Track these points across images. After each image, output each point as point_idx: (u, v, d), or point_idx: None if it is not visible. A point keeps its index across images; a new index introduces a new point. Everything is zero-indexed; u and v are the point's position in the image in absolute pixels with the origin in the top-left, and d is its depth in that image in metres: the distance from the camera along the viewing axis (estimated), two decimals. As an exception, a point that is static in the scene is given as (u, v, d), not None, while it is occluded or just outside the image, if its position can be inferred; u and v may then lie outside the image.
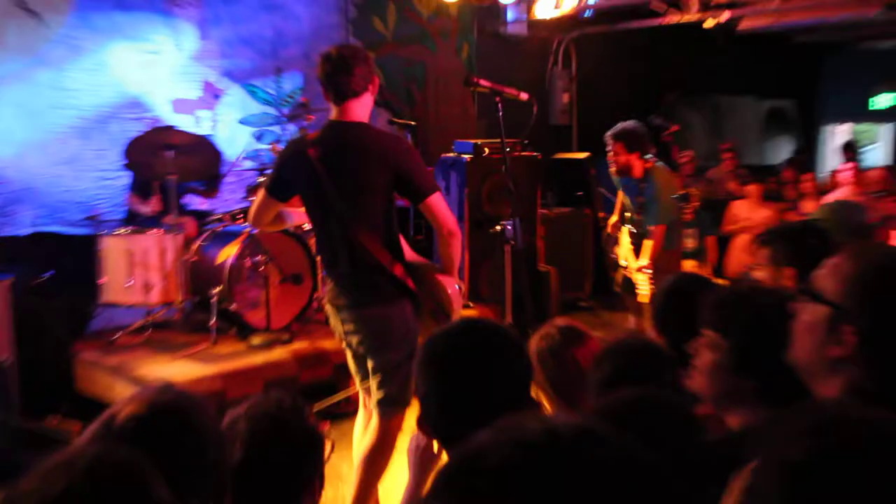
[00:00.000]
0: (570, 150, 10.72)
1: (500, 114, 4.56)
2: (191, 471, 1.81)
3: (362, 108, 4.22)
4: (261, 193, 4.44)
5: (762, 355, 2.12)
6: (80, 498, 1.38)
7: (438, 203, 4.18)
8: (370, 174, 4.12)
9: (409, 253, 4.36)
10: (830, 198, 10.33)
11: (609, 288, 9.51)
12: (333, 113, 4.25)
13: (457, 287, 4.29)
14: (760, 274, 3.56)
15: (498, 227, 4.49)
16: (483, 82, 4.68)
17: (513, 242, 4.39)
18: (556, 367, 2.85)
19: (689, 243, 10.35)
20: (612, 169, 6.88)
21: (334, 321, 4.36)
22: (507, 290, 4.54)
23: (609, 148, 6.84)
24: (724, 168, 11.72)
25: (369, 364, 4.23)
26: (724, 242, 10.66)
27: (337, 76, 4.13)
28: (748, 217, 10.72)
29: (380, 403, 4.20)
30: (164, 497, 1.46)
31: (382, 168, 4.10)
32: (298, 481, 2.28)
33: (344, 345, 4.40)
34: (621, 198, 7.05)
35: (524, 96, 5.06)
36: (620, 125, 6.81)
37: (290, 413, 2.32)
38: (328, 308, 4.39)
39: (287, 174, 4.35)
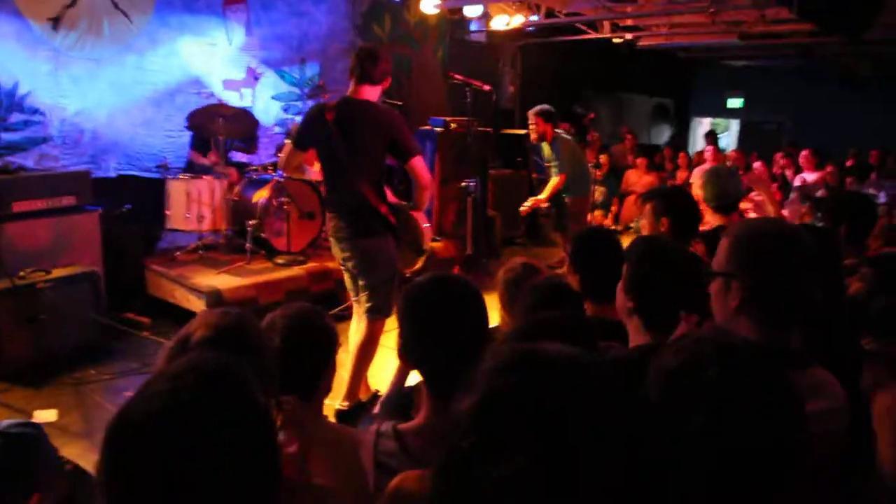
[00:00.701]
0: (513, 128, 10.50)
1: (468, 100, 4.32)
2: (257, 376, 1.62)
3: (372, 94, 4.05)
4: (288, 144, 4.33)
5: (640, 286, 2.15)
6: (197, 403, 1.05)
7: (419, 163, 4.04)
8: (371, 137, 3.95)
9: (391, 199, 4.18)
10: (697, 170, 10.25)
11: (537, 229, 9.46)
12: (350, 90, 4.08)
13: (427, 225, 4.16)
14: (643, 223, 3.43)
15: (463, 184, 4.29)
16: (457, 76, 4.43)
17: (474, 195, 4.21)
18: (517, 293, 2.69)
19: (598, 196, 10.29)
20: (533, 137, 6.97)
21: (335, 249, 4.21)
22: (468, 229, 4.38)
23: (531, 122, 6.87)
24: (626, 145, 11.57)
25: (360, 282, 4.12)
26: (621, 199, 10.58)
27: (365, 62, 3.98)
28: (637, 181, 10.62)
29: (368, 311, 4.09)
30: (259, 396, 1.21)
31: (381, 134, 3.95)
32: (319, 364, 2.16)
33: (342, 267, 4.26)
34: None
35: (486, 87, 4.84)
36: (539, 106, 6.89)
37: (313, 314, 2.20)
38: (331, 239, 4.22)
39: (307, 130, 4.16)
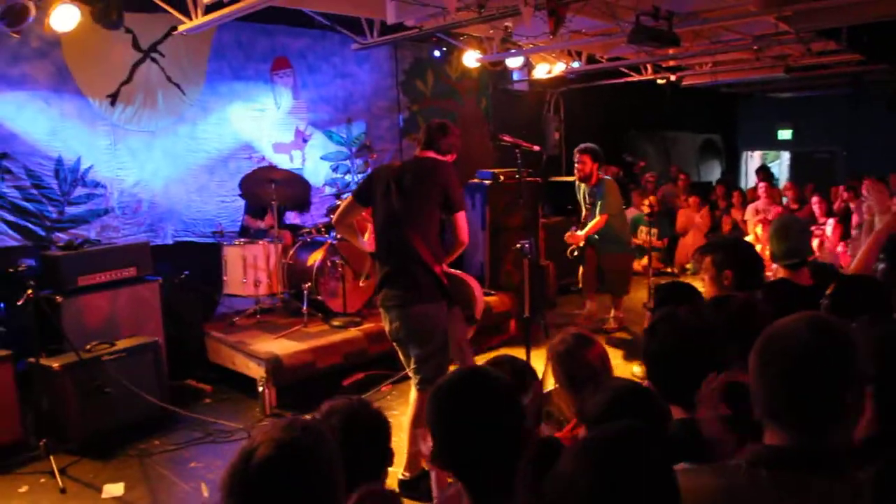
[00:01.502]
0: (560, 174, 10.49)
1: (519, 161, 4.31)
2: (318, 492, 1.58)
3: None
4: (349, 198, 4.28)
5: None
6: None
7: (463, 219, 4.04)
8: (428, 188, 3.96)
9: (446, 266, 4.14)
10: (751, 207, 10.08)
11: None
12: (416, 152, 4.19)
13: (482, 294, 4.09)
14: (705, 277, 3.33)
15: (518, 245, 4.26)
16: (506, 138, 4.44)
17: (529, 256, 4.17)
18: (572, 365, 2.63)
19: (654, 240, 10.16)
20: (578, 176, 7.09)
21: (384, 320, 4.10)
22: (525, 291, 4.32)
23: (577, 159, 7.03)
24: (679, 185, 11.47)
25: (411, 352, 4.03)
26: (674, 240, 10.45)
27: (434, 132, 4.11)
28: (691, 221, 10.48)
29: (419, 384, 4.01)
30: None
31: (437, 185, 3.95)
32: (379, 454, 2.15)
33: (392, 339, 4.15)
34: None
35: (536, 148, 4.84)
36: (586, 144, 7.06)
37: (361, 407, 2.20)
38: (380, 309, 4.11)
39: (370, 185, 4.15)
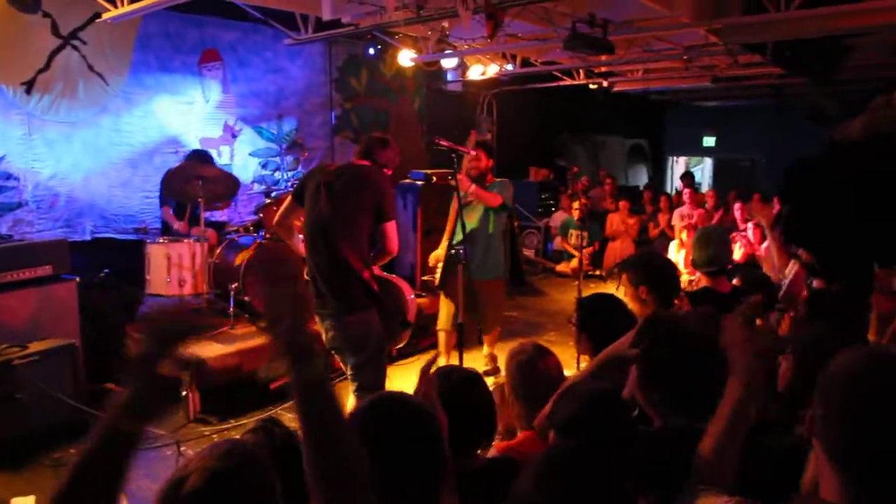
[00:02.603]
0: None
1: (455, 166, 4.27)
2: None
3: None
4: (288, 199, 4.18)
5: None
6: None
7: (393, 229, 3.97)
8: (358, 197, 3.87)
9: (376, 269, 4.07)
10: (677, 212, 10.31)
11: (520, 277, 9.41)
12: (353, 159, 4.14)
13: (413, 296, 4.05)
14: (626, 293, 3.38)
15: (453, 251, 4.22)
16: (443, 143, 4.38)
17: (464, 262, 4.13)
18: (531, 374, 2.65)
19: (578, 241, 10.29)
20: (473, 173, 5.27)
21: (318, 326, 4.01)
22: (459, 296, 4.28)
23: (472, 153, 5.21)
24: (605, 189, 11.63)
25: (347, 361, 3.98)
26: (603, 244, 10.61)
27: (374, 144, 4.06)
28: (621, 225, 10.65)
29: (356, 391, 3.95)
30: None
31: (368, 194, 3.87)
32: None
33: (328, 347, 4.05)
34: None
35: (472, 152, 4.81)
36: (482, 137, 6.15)
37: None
38: (315, 315, 4.01)
39: (305, 184, 4.06)
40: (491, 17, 4.98)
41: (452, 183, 4.67)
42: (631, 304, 3.33)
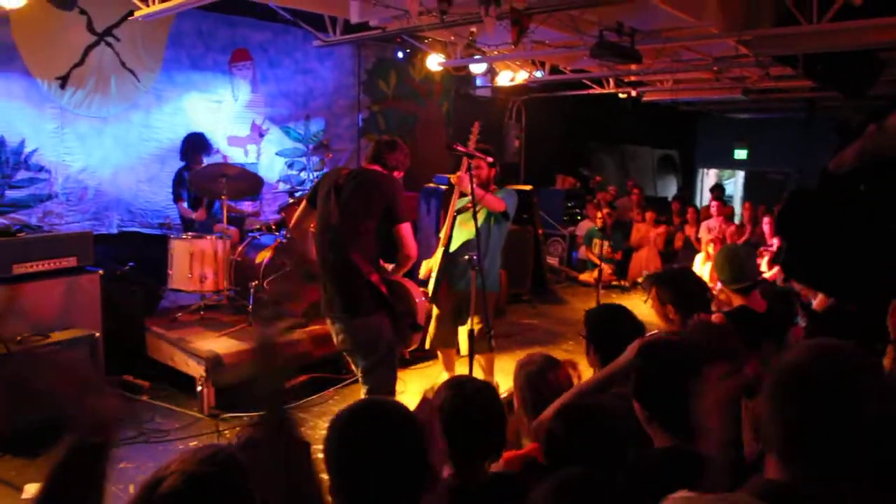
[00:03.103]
0: (518, 182, 10.47)
1: (471, 172, 4.24)
2: None
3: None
4: (303, 203, 4.18)
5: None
6: None
7: (407, 230, 3.90)
8: (367, 201, 3.85)
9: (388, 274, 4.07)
10: (705, 224, 10.19)
11: (543, 285, 9.37)
12: (364, 163, 4.12)
13: (422, 299, 4.03)
14: (652, 306, 3.35)
15: (466, 256, 4.18)
16: (460, 148, 4.36)
17: (478, 268, 4.10)
18: (541, 386, 2.62)
19: (605, 251, 10.22)
20: (477, 182, 4.51)
21: (329, 327, 4.05)
22: (472, 302, 4.25)
23: (474, 164, 4.62)
24: (632, 199, 11.54)
25: (356, 364, 3.99)
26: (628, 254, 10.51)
27: (382, 148, 4.03)
28: (646, 235, 10.55)
29: (367, 394, 3.94)
30: None
31: (376, 198, 3.84)
32: None
33: (340, 349, 4.11)
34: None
35: (489, 159, 4.77)
36: (485, 145, 4.97)
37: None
38: (326, 317, 4.05)
39: (318, 188, 4.06)
40: (516, 24, 4.96)
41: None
42: (657, 319, 3.32)
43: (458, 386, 2.25)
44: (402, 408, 1.75)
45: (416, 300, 3.97)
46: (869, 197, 0.80)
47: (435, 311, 4.99)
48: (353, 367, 4.08)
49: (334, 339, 4.03)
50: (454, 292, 4.93)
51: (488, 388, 2.32)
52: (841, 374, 1.36)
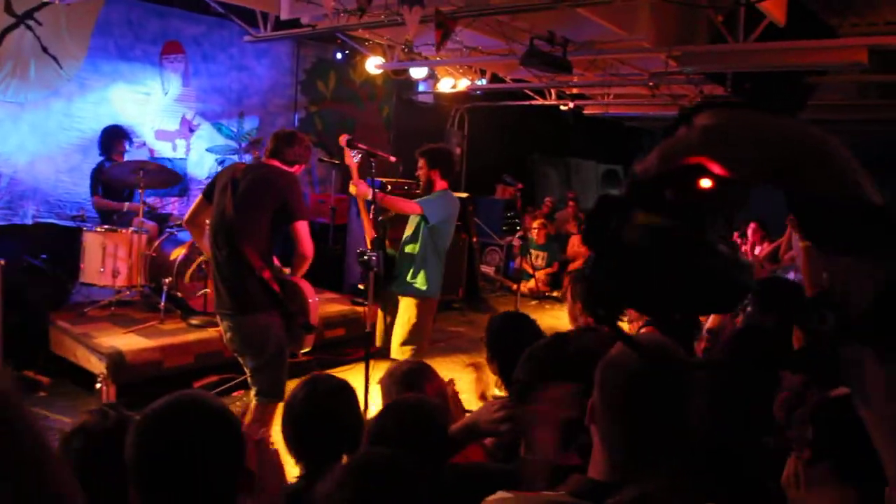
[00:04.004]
0: (458, 190, 10.40)
1: (373, 171, 4.18)
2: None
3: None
4: (199, 197, 4.09)
5: None
6: None
7: (303, 229, 3.81)
8: (262, 196, 3.77)
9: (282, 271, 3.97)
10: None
11: (475, 293, 9.32)
12: (262, 159, 4.02)
13: (315, 300, 3.93)
14: (566, 303, 3.35)
15: (365, 257, 4.10)
16: (361, 145, 4.29)
17: (375, 269, 4.03)
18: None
19: (539, 262, 10.23)
20: (421, 184, 4.81)
21: (221, 325, 3.94)
22: (369, 304, 4.18)
23: (418, 164, 4.74)
24: (569, 211, 11.59)
25: (245, 363, 3.89)
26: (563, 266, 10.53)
27: (279, 142, 3.92)
28: (581, 248, 10.59)
29: (256, 395, 3.84)
30: None
31: (272, 193, 3.77)
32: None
33: (229, 348, 4.00)
34: None
35: (392, 159, 4.73)
36: (431, 145, 4.88)
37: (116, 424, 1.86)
38: (217, 314, 3.94)
39: (214, 183, 3.98)
40: (440, 26, 4.91)
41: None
42: (569, 316, 3.28)
43: (311, 383, 2.17)
44: (212, 404, 1.64)
45: (310, 300, 3.88)
46: (675, 206, 0.76)
47: (380, 311, 4.91)
48: (243, 367, 3.95)
49: (224, 338, 3.90)
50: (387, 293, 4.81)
51: (343, 387, 2.23)
52: (656, 363, 1.41)
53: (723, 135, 0.79)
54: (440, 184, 4.72)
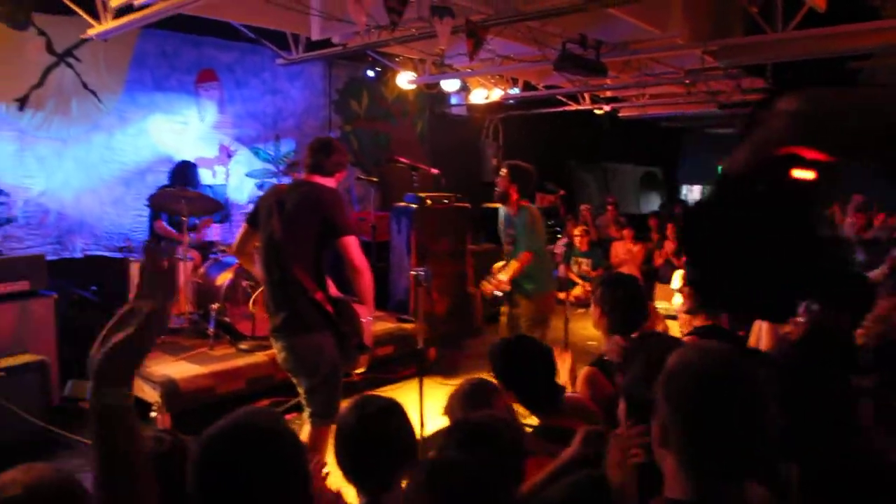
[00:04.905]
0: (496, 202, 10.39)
1: (415, 185, 4.17)
2: None
3: (325, 182, 3.90)
4: (244, 225, 4.10)
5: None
6: None
7: (351, 243, 3.77)
8: (307, 215, 3.76)
9: (333, 289, 3.96)
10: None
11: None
12: (303, 176, 4.00)
13: (369, 319, 3.90)
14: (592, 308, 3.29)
15: (413, 272, 4.10)
16: (402, 160, 4.30)
17: (425, 285, 4.02)
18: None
19: (584, 269, 10.11)
20: (497, 190, 5.67)
21: (274, 347, 3.95)
22: (419, 321, 4.17)
23: (500, 175, 5.65)
24: (608, 217, 11.46)
25: (299, 385, 3.87)
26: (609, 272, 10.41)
27: (317, 153, 3.91)
28: (625, 253, 10.47)
29: (310, 416, 3.82)
30: None
31: (316, 211, 3.75)
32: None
33: (283, 368, 3.99)
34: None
35: (434, 171, 4.71)
36: (517, 161, 5.74)
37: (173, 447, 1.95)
38: (270, 336, 3.95)
39: (258, 208, 4.00)
40: (471, 35, 4.90)
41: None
42: (592, 320, 3.24)
43: (360, 406, 2.14)
44: (276, 424, 1.62)
45: (363, 320, 3.85)
46: (769, 197, 0.72)
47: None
48: (297, 388, 3.94)
49: (278, 358, 3.91)
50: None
51: (393, 407, 2.19)
52: (728, 368, 1.37)
53: (813, 119, 0.75)
54: (514, 197, 5.55)
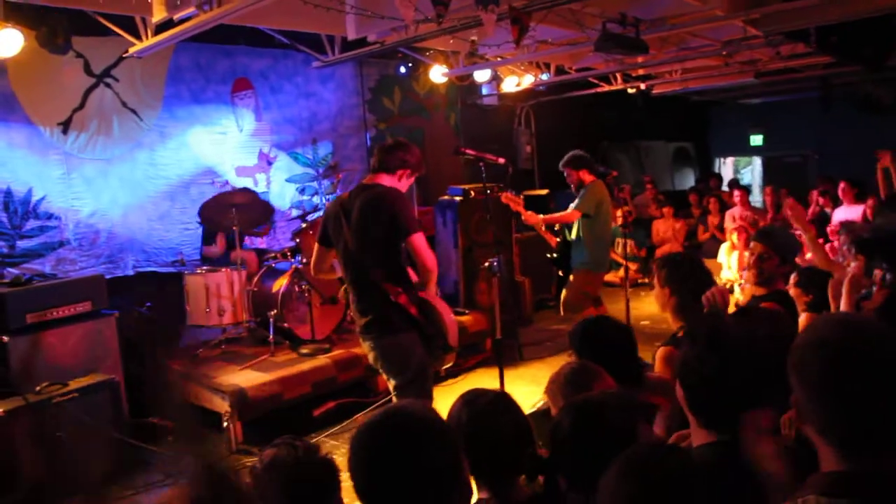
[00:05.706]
0: (533, 188, 10.33)
1: (483, 175, 4.12)
2: None
3: (390, 181, 3.86)
4: (316, 246, 4.08)
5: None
6: None
7: (419, 241, 3.74)
8: (372, 217, 3.72)
9: (413, 277, 3.93)
10: (729, 214, 9.97)
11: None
12: (367, 178, 3.97)
13: (453, 317, 3.87)
14: (655, 291, 3.27)
15: (486, 264, 4.06)
16: (469, 151, 4.25)
17: (498, 274, 3.97)
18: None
19: (629, 250, 10.01)
20: (573, 188, 6.30)
21: (364, 346, 3.97)
22: (496, 310, 4.12)
23: (565, 175, 6.36)
24: (647, 195, 11.34)
25: (389, 383, 3.90)
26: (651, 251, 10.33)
27: (381, 153, 3.91)
28: (667, 230, 10.36)
29: None
30: None
31: (381, 212, 3.72)
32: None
33: (372, 364, 4.01)
34: None
35: (501, 161, 4.66)
36: (568, 155, 6.39)
37: (305, 457, 2.02)
38: (360, 338, 3.98)
39: (326, 225, 3.98)
40: (516, 22, 4.83)
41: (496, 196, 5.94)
42: (657, 302, 3.28)
43: (470, 402, 2.10)
44: (430, 415, 1.61)
45: (447, 320, 3.83)
46: None
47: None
48: (388, 388, 3.97)
49: (368, 358, 3.93)
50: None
51: (503, 400, 2.15)
52: (876, 344, 1.31)
53: None
54: (588, 178, 6.17)
